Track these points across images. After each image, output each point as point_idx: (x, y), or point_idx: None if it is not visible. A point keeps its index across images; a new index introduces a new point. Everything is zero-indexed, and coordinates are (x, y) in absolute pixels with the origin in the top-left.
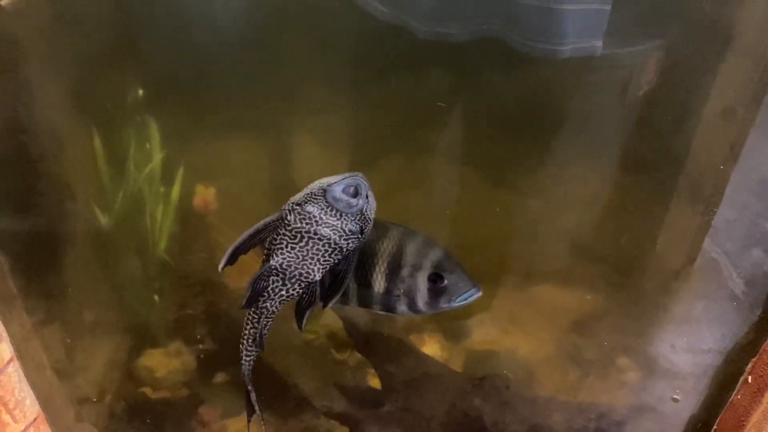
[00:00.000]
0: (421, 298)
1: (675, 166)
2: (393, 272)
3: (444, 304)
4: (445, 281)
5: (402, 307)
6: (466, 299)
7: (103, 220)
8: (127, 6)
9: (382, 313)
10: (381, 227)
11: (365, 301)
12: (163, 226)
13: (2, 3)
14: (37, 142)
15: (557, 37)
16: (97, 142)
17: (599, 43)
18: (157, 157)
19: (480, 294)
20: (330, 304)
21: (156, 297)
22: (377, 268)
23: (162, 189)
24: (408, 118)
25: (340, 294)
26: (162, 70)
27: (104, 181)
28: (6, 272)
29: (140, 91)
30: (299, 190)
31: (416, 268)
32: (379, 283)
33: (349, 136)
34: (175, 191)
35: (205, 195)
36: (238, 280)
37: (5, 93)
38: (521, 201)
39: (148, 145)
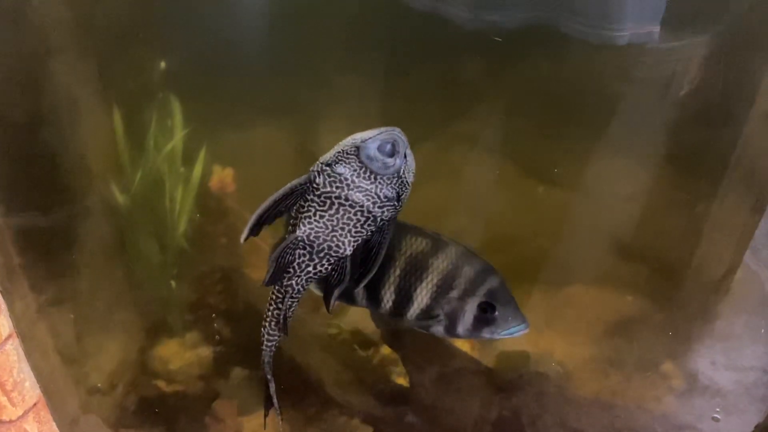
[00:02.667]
0: (463, 324)
1: (718, 172)
2: (441, 291)
3: (486, 335)
4: (496, 313)
5: (438, 327)
6: (510, 333)
7: (120, 199)
8: None
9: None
10: (439, 242)
11: (398, 313)
12: (183, 208)
13: None
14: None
15: (615, 22)
16: (118, 118)
17: (657, 29)
18: (179, 135)
19: (527, 331)
20: (362, 285)
21: (173, 283)
22: (424, 284)
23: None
24: (446, 108)
25: (373, 273)
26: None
27: (123, 160)
28: (7, 240)
29: (162, 63)
30: None
31: (468, 293)
32: (421, 299)
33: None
34: (197, 172)
35: (222, 176)
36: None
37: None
38: (562, 196)
39: (169, 123)
